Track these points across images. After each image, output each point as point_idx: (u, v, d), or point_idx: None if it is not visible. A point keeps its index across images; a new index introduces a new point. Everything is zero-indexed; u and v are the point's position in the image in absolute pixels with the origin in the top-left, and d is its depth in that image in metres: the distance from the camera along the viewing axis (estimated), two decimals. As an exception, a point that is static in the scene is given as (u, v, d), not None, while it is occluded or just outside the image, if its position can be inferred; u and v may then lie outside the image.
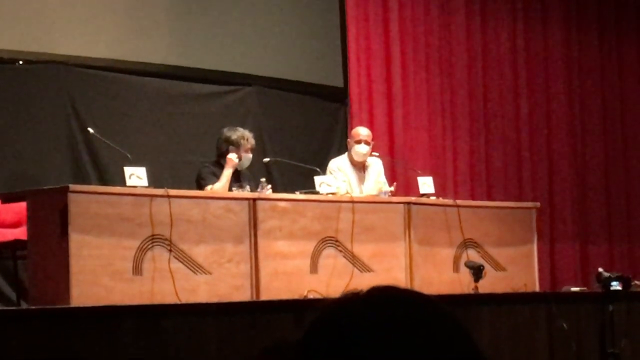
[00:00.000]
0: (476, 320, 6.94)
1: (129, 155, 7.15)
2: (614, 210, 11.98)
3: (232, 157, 7.77)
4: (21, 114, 8.38)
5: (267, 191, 7.52)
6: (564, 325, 7.32)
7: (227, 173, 7.73)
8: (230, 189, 7.62)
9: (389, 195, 8.16)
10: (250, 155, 7.90)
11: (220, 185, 7.64)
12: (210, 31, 9.49)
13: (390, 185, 8.43)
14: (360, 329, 1.32)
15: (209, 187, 7.60)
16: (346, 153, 8.64)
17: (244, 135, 7.88)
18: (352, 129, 9.16)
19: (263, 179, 7.65)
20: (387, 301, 1.36)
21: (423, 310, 1.36)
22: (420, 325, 1.34)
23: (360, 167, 8.55)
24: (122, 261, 6.50)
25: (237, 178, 7.82)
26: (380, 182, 8.50)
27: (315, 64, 10.21)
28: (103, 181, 8.42)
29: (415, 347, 1.31)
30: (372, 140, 8.62)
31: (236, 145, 7.82)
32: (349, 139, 8.70)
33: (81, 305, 5.97)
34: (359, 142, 8.49)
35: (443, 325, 1.35)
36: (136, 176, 6.76)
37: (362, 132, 8.61)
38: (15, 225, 7.28)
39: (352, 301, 1.37)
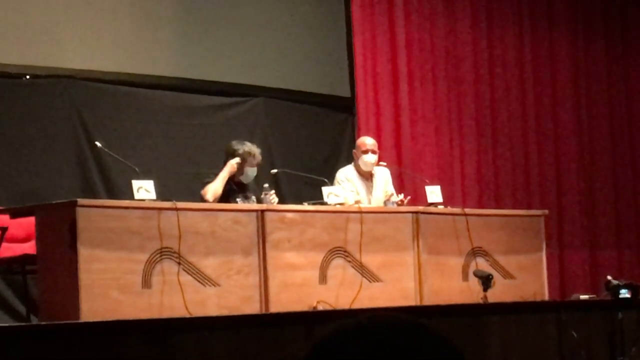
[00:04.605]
0: (485, 330, 6.93)
1: (136, 169, 7.16)
2: (623, 216, 11.96)
3: (233, 162, 7.75)
4: (29, 128, 8.40)
5: (271, 197, 7.53)
6: (574, 333, 7.30)
7: (222, 175, 7.70)
8: (235, 201, 7.63)
9: (397, 205, 8.16)
10: (255, 169, 7.89)
11: (214, 187, 7.61)
12: (217, 43, 9.51)
13: (400, 194, 8.44)
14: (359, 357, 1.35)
15: (206, 189, 7.60)
16: (352, 164, 8.65)
17: (251, 150, 7.85)
18: (359, 138, 9.17)
19: (266, 185, 7.67)
20: (385, 330, 1.38)
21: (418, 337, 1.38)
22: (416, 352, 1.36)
23: (367, 177, 8.56)
24: (131, 275, 6.51)
25: (242, 189, 7.83)
26: (387, 190, 8.52)
27: (322, 75, 10.22)
28: (111, 195, 8.43)
29: None
30: (378, 149, 8.66)
31: (242, 160, 7.81)
32: (354, 150, 8.70)
33: (91, 320, 5.98)
34: (366, 151, 8.50)
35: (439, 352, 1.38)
36: (144, 189, 6.76)
37: (368, 141, 8.63)
38: (24, 240, 7.29)
39: (351, 329, 1.39)
